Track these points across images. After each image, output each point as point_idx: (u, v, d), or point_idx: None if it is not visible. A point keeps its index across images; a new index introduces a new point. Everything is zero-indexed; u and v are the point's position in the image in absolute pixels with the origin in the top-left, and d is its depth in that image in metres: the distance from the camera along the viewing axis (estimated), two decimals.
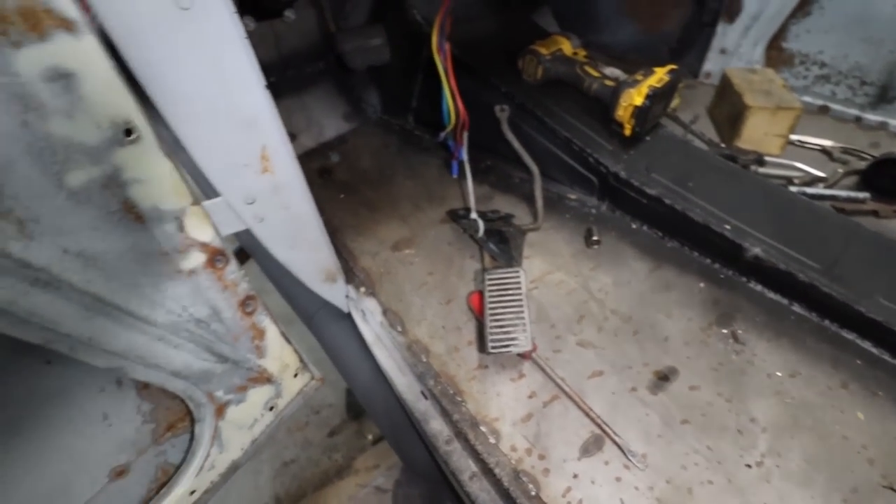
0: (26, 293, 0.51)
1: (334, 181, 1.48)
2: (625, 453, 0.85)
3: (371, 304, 1.10)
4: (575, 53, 1.35)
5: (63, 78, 0.48)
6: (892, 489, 0.80)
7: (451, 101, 1.24)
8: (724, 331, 1.03)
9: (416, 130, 1.64)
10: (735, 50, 1.70)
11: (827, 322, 1.02)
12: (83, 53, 0.48)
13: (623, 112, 1.18)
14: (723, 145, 1.46)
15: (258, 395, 0.87)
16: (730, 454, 0.85)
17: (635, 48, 1.87)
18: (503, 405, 0.93)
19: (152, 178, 0.58)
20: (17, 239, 0.49)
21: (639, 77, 1.19)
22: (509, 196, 1.37)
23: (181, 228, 0.63)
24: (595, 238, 1.20)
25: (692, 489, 0.82)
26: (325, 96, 1.67)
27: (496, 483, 0.84)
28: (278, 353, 0.87)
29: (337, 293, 1.07)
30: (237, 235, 0.83)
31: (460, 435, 0.90)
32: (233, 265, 0.72)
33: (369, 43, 1.39)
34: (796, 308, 1.05)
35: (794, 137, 1.47)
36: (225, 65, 0.63)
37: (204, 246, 0.67)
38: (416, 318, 1.08)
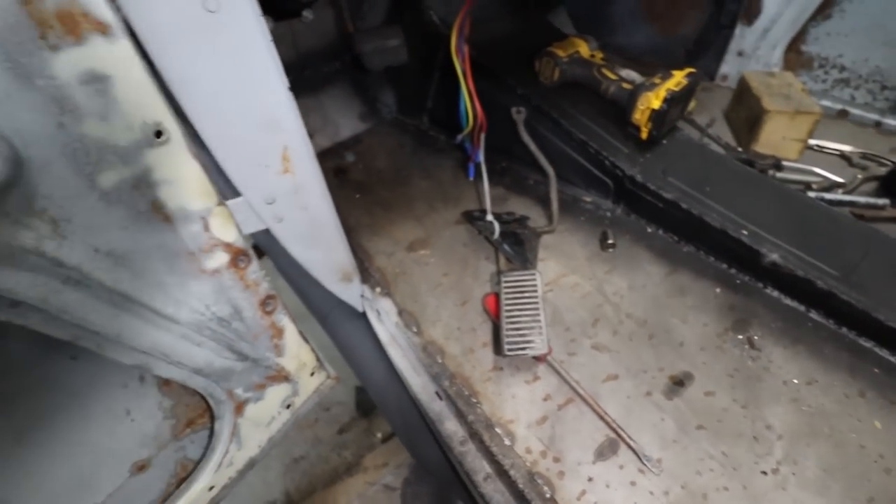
0: (58, 291, 0.52)
1: (350, 181, 1.49)
2: (640, 458, 0.85)
3: (386, 305, 1.11)
4: (592, 56, 1.35)
5: (98, 81, 0.49)
6: None
7: (469, 104, 1.24)
8: (740, 336, 1.02)
9: (430, 131, 1.64)
10: (753, 52, 1.68)
11: (844, 329, 1.02)
12: (118, 57, 0.49)
13: (640, 115, 1.18)
14: (740, 149, 1.45)
15: (276, 393, 0.88)
16: (745, 461, 0.85)
17: (651, 50, 1.86)
18: (518, 407, 0.93)
19: (180, 178, 0.59)
20: (50, 238, 0.50)
21: (656, 80, 1.18)
22: (524, 198, 1.37)
23: (206, 228, 0.64)
24: (610, 241, 1.20)
25: (707, 495, 0.81)
26: (340, 96, 1.68)
27: (511, 485, 0.85)
28: (296, 352, 0.88)
29: (352, 293, 1.08)
30: (253, 233, 0.84)
31: (475, 436, 0.91)
32: (254, 265, 0.73)
33: (387, 44, 1.39)
34: (813, 315, 1.05)
35: (812, 142, 1.46)
36: (250, 67, 0.63)
37: (228, 246, 0.68)
38: (432, 319, 1.08)
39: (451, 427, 0.94)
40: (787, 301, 1.07)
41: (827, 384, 0.94)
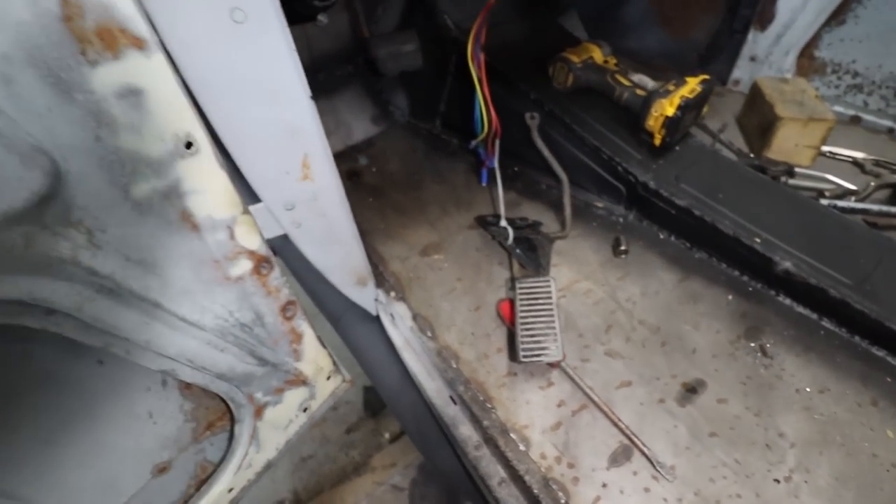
0: (92, 299, 0.53)
1: (363, 184, 1.50)
2: (653, 464, 0.86)
3: (401, 309, 1.12)
4: (606, 62, 1.35)
5: (133, 94, 0.50)
6: None
7: (484, 110, 1.25)
8: (753, 344, 1.03)
9: (443, 134, 1.64)
10: (766, 58, 1.68)
11: (857, 338, 1.02)
12: (152, 71, 0.50)
13: (654, 122, 1.18)
14: (752, 155, 1.46)
15: (294, 397, 0.89)
16: (758, 468, 0.86)
17: (663, 54, 1.86)
18: (532, 413, 0.94)
19: (208, 188, 0.60)
20: (86, 248, 0.51)
21: (670, 87, 1.18)
22: (536, 203, 1.38)
23: (231, 236, 0.65)
24: (623, 247, 1.21)
25: (720, 502, 0.82)
26: (353, 99, 1.69)
27: (525, 490, 0.86)
28: (314, 357, 0.89)
29: (367, 296, 1.09)
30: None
31: (490, 441, 0.92)
32: (276, 272, 0.74)
33: (402, 48, 1.40)
34: (826, 323, 1.05)
35: (825, 149, 1.46)
36: (275, 76, 0.65)
37: (251, 254, 0.69)
38: (446, 324, 1.09)
39: (466, 432, 0.95)
40: (800, 309, 1.08)
41: (839, 393, 0.95)
